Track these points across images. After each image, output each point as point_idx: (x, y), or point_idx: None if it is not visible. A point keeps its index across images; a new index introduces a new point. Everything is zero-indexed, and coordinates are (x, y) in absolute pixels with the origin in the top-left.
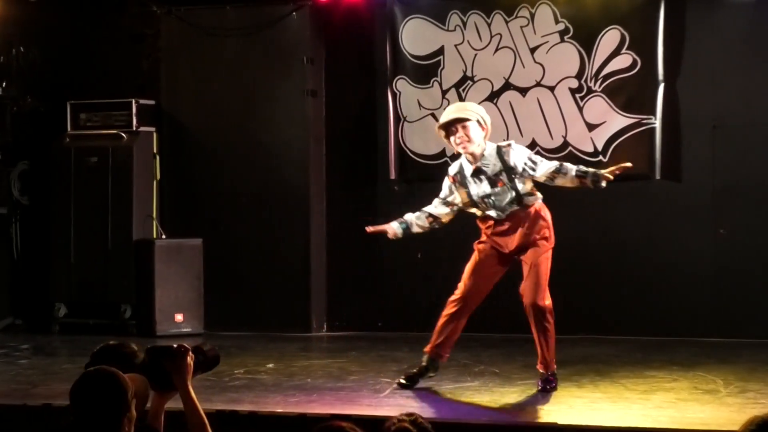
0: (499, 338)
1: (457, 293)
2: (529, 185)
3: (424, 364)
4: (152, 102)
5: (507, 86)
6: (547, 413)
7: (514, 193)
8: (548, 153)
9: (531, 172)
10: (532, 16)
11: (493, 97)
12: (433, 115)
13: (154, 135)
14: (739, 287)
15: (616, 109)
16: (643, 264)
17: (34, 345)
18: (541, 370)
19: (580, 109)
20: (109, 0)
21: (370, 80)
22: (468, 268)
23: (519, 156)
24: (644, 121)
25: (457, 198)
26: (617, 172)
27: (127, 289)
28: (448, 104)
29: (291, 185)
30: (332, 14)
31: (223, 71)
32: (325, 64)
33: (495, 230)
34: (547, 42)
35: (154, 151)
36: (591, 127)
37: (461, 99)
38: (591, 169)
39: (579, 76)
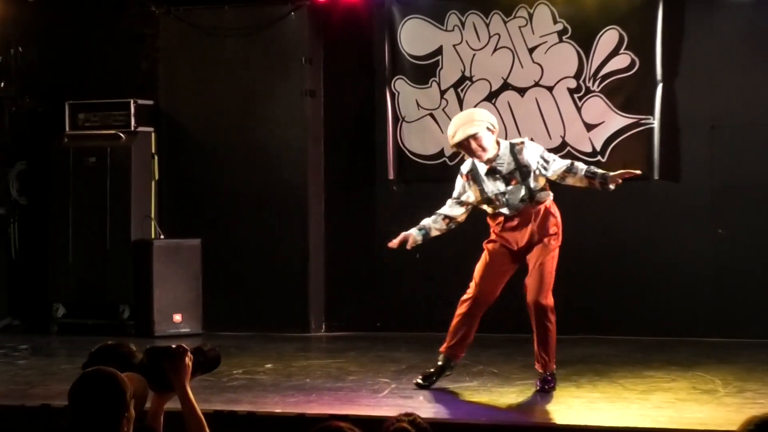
0: (498, 338)
1: (469, 293)
2: (541, 182)
3: (440, 363)
4: (151, 102)
5: (505, 86)
6: (546, 413)
7: (526, 191)
8: None
9: (543, 171)
10: (531, 16)
11: (491, 97)
12: (431, 115)
13: (153, 135)
14: (738, 287)
15: (614, 109)
16: (641, 264)
17: (33, 345)
18: (539, 370)
19: (579, 109)
20: (107, 0)
21: (369, 80)
22: (479, 267)
23: (532, 154)
24: (642, 121)
25: (471, 196)
26: (625, 176)
27: (126, 290)
28: (447, 104)
29: (289, 185)
30: (331, 14)
31: (221, 71)
32: (323, 64)
33: (505, 226)
34: (546, 42)
35: (153, 151)
36: (589, 127)
37: (460, 99)
38: (600, 171)
39: (577, 76)
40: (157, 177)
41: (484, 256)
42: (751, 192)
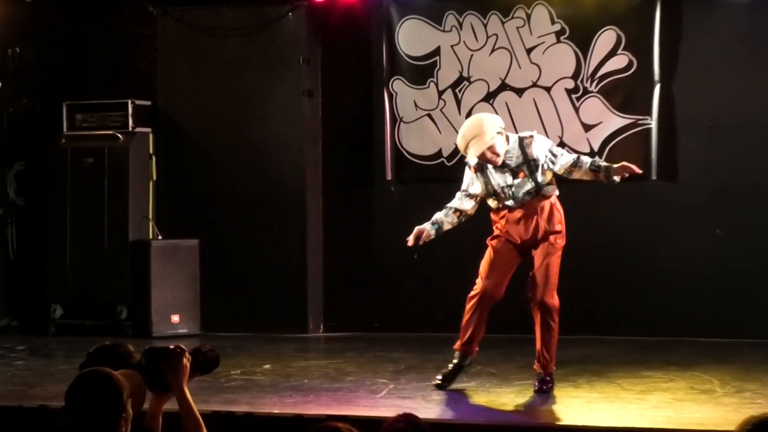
0: (497, 339)
1: (476, 289)
2: (548, 176)
3: (456, 361)
4: (148, 102)
5: (503, 87)
6: (544, 413)
7: (533, 184)
8: None
9: (551, 165)
10: (528, 16)
11: (489, 97)
12: (429, 115)
13: (151, 135)
14: (736, 287)
15: (612, 109)
16: (639, 264)
17: (30, 346)
18: (538, 370)
19: (576, 109)
20: (105, 0)
21: (367, 81)
22: (484, 263)
23: (540, 148)
24: (640, 122)
25: (478, 188)
26: (628, 171)
27: (123, 290)
28: (444, 105)
29: (287, 186)
30: (329, 15)
31: (219, 72)
32: (321, 65)
33: (509, 219)
34: (544, 43)
35: (151, 151)
36: (587, 127)
37: (457, 100)
38: (603, 164)
39: (575, 76)
40: (154, 177)
41: (489, 252)
42: (749, 192)
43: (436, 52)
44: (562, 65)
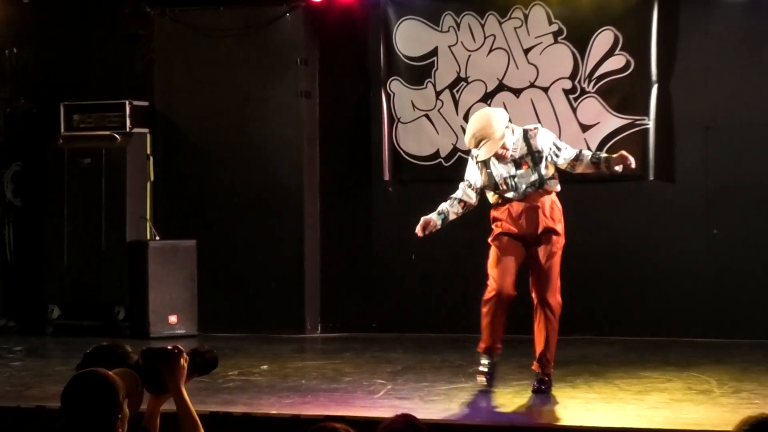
0: None
1: (490, 291)
2: (551, 170)
3: (488, 361)
4: (146, 103)
5: (501, 87)
6: (542, 414)
7: (536, 176)
8: None
9: (554, 158)
10: (526, 17)
11: (486, 98)
12: (427, 116)
13: (148, 136)
14: (733, 287)
15: (609, 110)
16: (636, 265)
17: (28, 347)
18: (537, 371)
19: (574, 110)
20: (102, 1)
21: (364, 81)
22: (492, 264)
23: (545, 140)
24: (638, 122)
25: (479, 180)
26: (627, 161)
27: (121, 291)
28: (442, 105)
29: (285, 186)
30: (326, 15)
31: (217, 72)
32: (318, 65)
33: (511, 212)
34: (541, 43)
35: (148, 152)
36: (585, 128)
37: (455, 100)
38: (603, 155)
39: (573, 77)
40: (152, 178)
41: (494, 253)
42: (747, 192)
43: (434, 52)
44: (560, 66)
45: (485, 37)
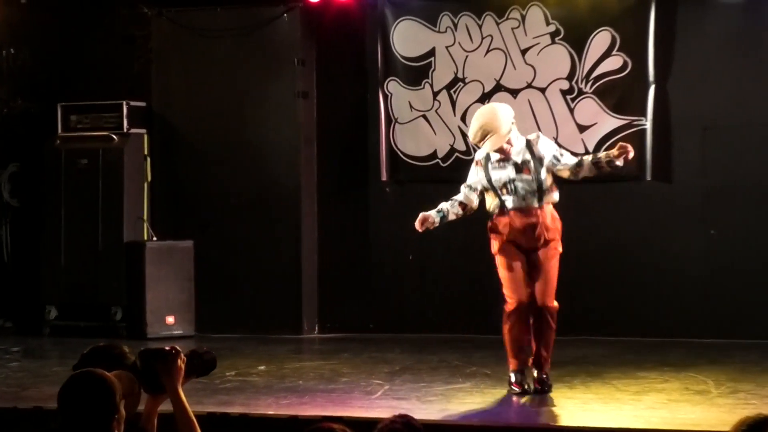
0: (491, 340)
1: (511, 305)
2: (549, 180)
3: (519, 377)
4: (143, 104)
5: (498, 88)
6: (539, 414)
7: (537, 183)
8: None
9: (555, 163)
10: (523, 17)
11: (484, 98)
12: (424, 116)
13: (145, 137)
14: (731, 288)
15: (607, 110)
16: (633, 265)
17: (25, 347)
18: (534, 371)
19: (571, 110)
20: (99, 2)
21: (362, 82)
22: (505, 278)
23: (546, 147)
24: (635, 123)
25: (481, 182)
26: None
27: (118, 292)
28: (439, 106)
29: (282, 187)
30: (323, 16)
31: (214, 73)
32: (316, 66)
33: (513, 226)
34: (538, 43)
35: (145, 152)
36: (582, 128)
37: (452, 101)
38: (602, 156)
39: (570, 77)
40: (149, 179)
41: (504, 265)
42: (744, 193)
43: (431, 53)
44: (557, 66)
45: (482, 38)
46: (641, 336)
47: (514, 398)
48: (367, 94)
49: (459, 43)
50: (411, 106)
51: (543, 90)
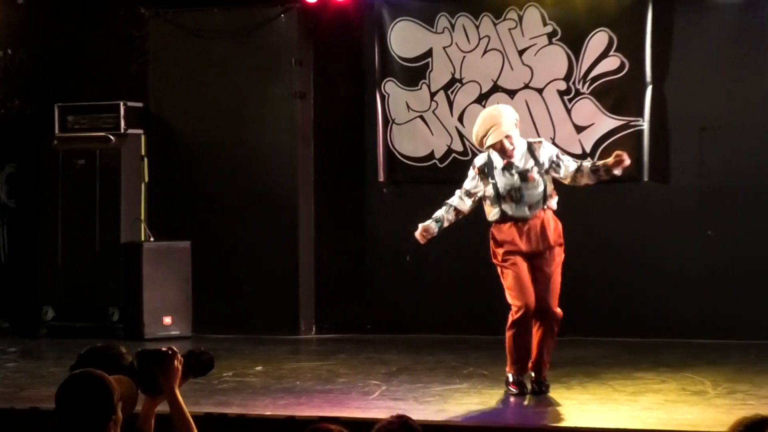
0: (488, 340)
1: (517, 313)
2: (551, 186)
3: (517, 379)
4: (140, 104)
5: (495, 88)
6: (536, 415)
7: (542, 189)
8: None
9: (556, 169)
10: (520, 18)
11: (481, 99)
12: (421, 117)
13: (142, 137)
14: (727, 289)
15: (604, 111)
16: (630, 266)
17: (22, 348)
18: (533, 373)
19: (569, 111)
20: (97, 2)
21: (359, 82)
22: (511, 286)
23: (548, 153)
24: (632, 123)
25: (481, 190)
26: (622, 162)
27: (115, 292)
28: (437, 106)
29: (279, 187)
30: (321, 16)
31: (211, 73)
32: (313, 66)
33: (516, 232)
34: (536, 44)
35: (142, 153)
36: (579, 129)
37: (449, 101)
38: (600, 163)
39: (567, 78)
40: (146, 179)
41: (510, 275)
42: (741, 193)
43: (428, 53)
44: (554, 67)
45: (480, 38)
46: (638, 337)
47: (512, 399)
48: (365, 94)
49: (456, 43)
50: (408, 107)
51: (540, 91)
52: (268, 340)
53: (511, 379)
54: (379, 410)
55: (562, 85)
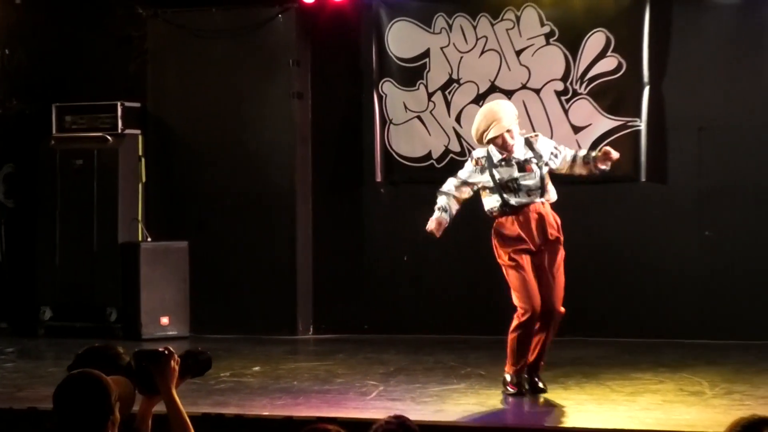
0: (485, 340)
1: (524, 315)
2: (547, 178)
3: (515, 380)
4: (138, 104)
5: (493, 89)
6: (534, 415)
7: (539, 180)
8: None
9: (553, 160)
10: (518, 18)
11: (478, 99)
12: (419, 117)
13: (140, 137)
14: (725, 289)
15: (601, 111)
16: (628, 266)
17: (20, 348)
18: (526, 375)
19: (566, 111)
20: (95, 2)
21: (356, 82)
22: (518, 285)
23: (545, 145)
24: (630, 124)
25: (480, 180)
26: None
27: (113, 292)
28: (434, 107)
29: (277, 187)
30: (318, 17)
31: (209, 73)
32: (311, 67)
33: (517, 224)
34: (533, 44)
35: (140, 153)
36: (576, 129)
37: (447, 102)
38: (591, 155)
39: (565, 78)
40: (144, 179)
41: (515, 275)
42: (739, 194)
43: (426, 54)
44: (552, 67)
45: (477, 39)
46: (636, 337)
47: (509, 399)
48: (362, 94)
49: (454, 44)
50: (406, 107)
51: (538, 91)
52: (266, 341)
53: (509, 379)
54: (377, 410)
55: (560, 86)
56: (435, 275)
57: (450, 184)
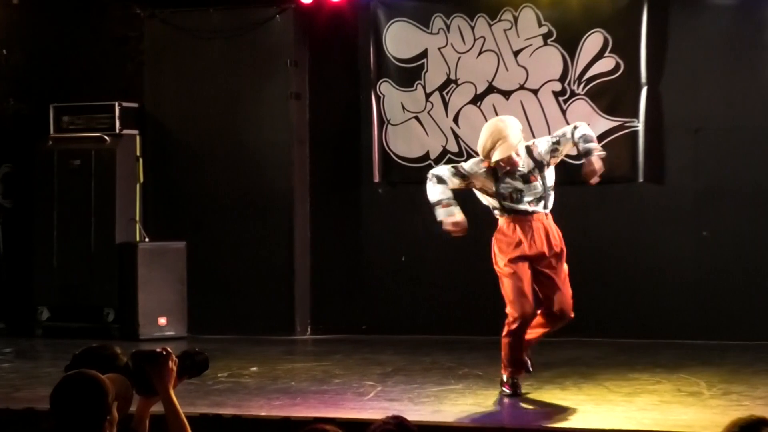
0: (483, 341)
1: (515, 322)
2: (552, 178)
3: (511, 384)
4: (135, 105)
5: (490, 89)
6: (531, 416)
7: (542, 188)
8: None
9: (557, 147)
10: (516, 19)
11: (476, 100)
12: (416, 118)
13: (138, 138)
14: (722, 290)
15: (599, 112)
16: (626, 266)
17: (17, 349)
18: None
19: (564, 112)
20: (92, 2)
21: (354, 83)
22: (510, 290)
23: (544, 145)
24: (627, 124)
25: (480, 181)
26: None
27: (110, 293)
28: (432, 107)
29: (275, 188)
30: (316, 17)
31: (206, 74)
32: (309, 67)
33: (519, 233)
34: (531, 45)
35: (138, 153)
36: None
37: (445, 102)
38: (583, 148)
39: (562, 79)
40: (141, 180)
41: (510, 283)
42: (736, 195)
43: (424, 54)
44: (550, 68)
45: (475, 39)
46: (633, 337)
47: (506, 400)
48: (360, 95)
49: (451, 44)
50: (403, 108)
51: (535, 91)
52: (264, 341)
53: (505, 380)
54: (375, 411)
55: (557, 86)
56: (433, 276)
57: (444, 176)
